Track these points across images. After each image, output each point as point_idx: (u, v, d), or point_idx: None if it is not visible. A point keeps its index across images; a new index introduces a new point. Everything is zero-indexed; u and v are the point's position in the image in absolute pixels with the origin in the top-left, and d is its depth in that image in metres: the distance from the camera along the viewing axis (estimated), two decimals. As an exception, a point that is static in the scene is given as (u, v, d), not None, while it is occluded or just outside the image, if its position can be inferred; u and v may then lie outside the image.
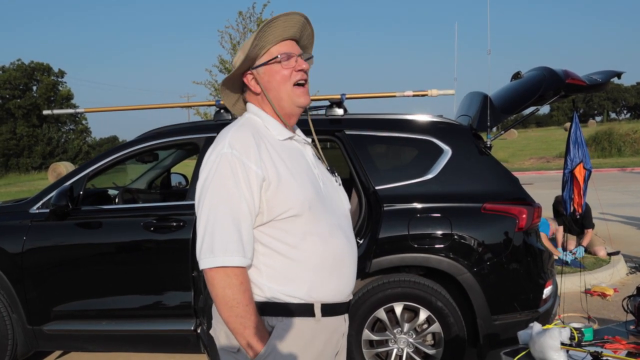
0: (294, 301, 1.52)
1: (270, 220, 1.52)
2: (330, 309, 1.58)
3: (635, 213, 9.82)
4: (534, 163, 24.79)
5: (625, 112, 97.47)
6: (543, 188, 13.19)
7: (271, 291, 1.52)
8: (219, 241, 1.45)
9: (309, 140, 1.75)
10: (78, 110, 4.38)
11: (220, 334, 1.59)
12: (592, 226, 6.72)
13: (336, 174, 1.82)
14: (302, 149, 1.69)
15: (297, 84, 1.61)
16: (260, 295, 1.53)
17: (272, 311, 1.52)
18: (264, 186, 1.50)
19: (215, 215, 1.47)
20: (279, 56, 1.58)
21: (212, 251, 1.45)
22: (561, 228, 6.78)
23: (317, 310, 1.54)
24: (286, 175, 1.53)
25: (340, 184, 1.79)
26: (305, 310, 1.53)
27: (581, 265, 6.10)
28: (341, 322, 1.66)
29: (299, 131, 1.74)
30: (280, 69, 1.59)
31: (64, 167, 26.60)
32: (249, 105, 1.69)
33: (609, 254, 6.55)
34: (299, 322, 1.53)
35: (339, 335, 1.66)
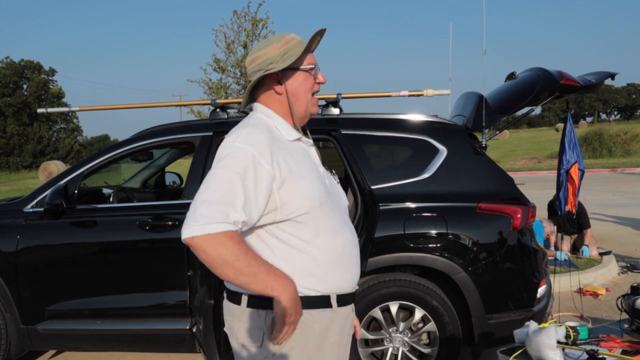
0: (312, 294, 1.60)
1: (284, 217, 1.57)
2: (343, 299, 1.67)
3: (626, 213, 9.90)
4: (525, 163, 24.92)
5: (615, 113, 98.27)
6: (535, 188, 13.26)
7: None
8: (204, 212, 1.44)
9: (311, 141, 1.81)
10: (72, 108, 4.34)
11: (240, 331, 1.63)
12: (589, 225, 6.77)
13: (334, 172, 1.89)
14: (308, 149, 1.75)
15: (313, 94, 1.73)
16: None
17: None
18: (275, 185, 1.54)
19: (211, 190, 1.47)
20: (312, 66, 1.69)
21: (195, 221, 1.43)
22: (555, 228, 6.82)
23: (334, 301, 1.64)
24: (298, 174, 1.58)
25: (338, 182, 1.87)
26: (323, 301, 1.62)
27: (573, 265, 6.14)
28: (350, 311, 1.76)
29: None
30: (307, 78, 1.69)
31: (54, 166, 26.47)
32: (258, 106, 1.73)
33: (601, 254, 6.61)
34: (317, 313, 1.61)
35: (349, 323, 1.76)
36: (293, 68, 1.66)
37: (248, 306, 1.60)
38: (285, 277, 1.52)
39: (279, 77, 1.68)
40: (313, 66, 1.70)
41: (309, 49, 1.69)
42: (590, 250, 6.65)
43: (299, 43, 1.67)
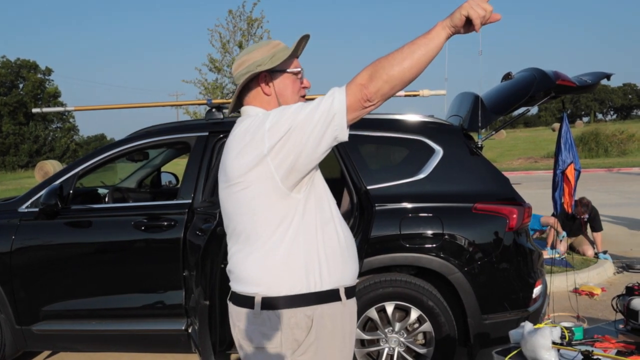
0: (324, 288, 1.62)
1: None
2: (350, 292, 1.72)
3: (622, 213, 9.92)
4: (522, 163, 24.98)
5: (611, 113, 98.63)
6: (531, 188, 13.32)
7: (301, 283, 1.59)
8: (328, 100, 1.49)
9: None
10: (67, 108, 4.32)
11: (255, 334, 1.61)
12: (601, 228, 6.78)
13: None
14: None
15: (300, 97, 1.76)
16: (294, 288, 1.58)
17: (307, 302, 1.59)
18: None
19: (307, 106, 1.51)
20: (299, 69, 1.74)
21: (333, 95, 1.49)
22: (552, 229, 6.82)
23: (342, 294, 1.67)
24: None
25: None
26: (334, 295, 1.65)
27: (569, 265, 6.16)
28: (355, 303, 1.81)
29: None
30: (294, 81, 1.74)
31: (51, 166, 26.38)
32: (249, 108, 1.74)
33: (597, 254, 6.62)
34: (330, 307, 1.64)
35: (355, 315, 1.82)
36: (281, 70, 1.70)
37: (262, 308, 1.58)
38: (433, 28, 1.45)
39: (267, 78, 1.70)
40: (300, 69, 1.74)
41: (295, 53, 1.73)
42: (586, 250, 6.66)
43: (285, 48, 1.72)
